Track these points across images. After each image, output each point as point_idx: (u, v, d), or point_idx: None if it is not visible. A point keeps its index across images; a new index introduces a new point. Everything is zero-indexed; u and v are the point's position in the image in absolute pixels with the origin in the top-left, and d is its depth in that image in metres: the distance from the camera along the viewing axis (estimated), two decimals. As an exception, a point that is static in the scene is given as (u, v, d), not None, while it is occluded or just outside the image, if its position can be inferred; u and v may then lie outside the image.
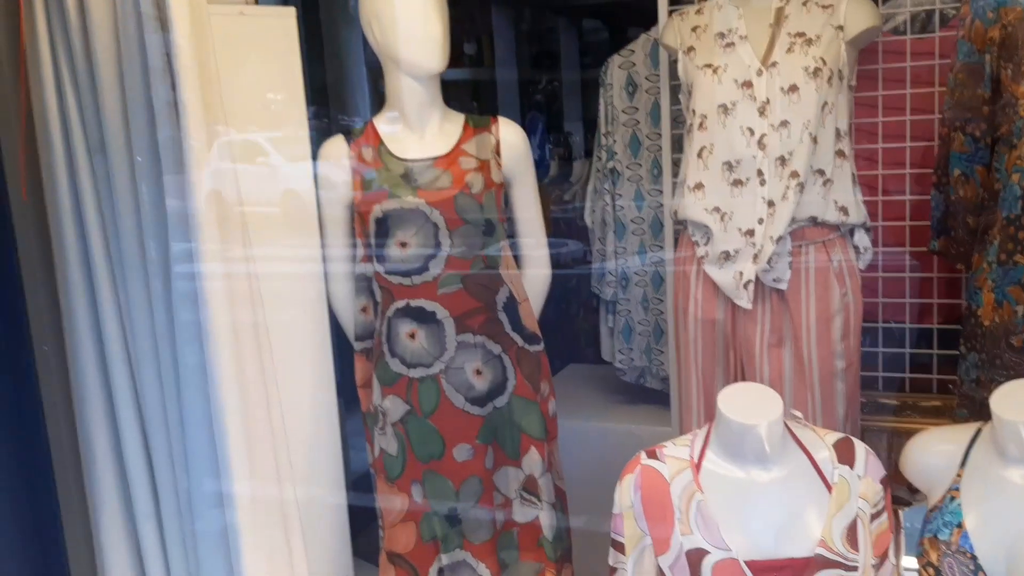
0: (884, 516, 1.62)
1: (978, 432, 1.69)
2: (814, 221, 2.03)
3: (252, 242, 1.96)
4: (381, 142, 2.09)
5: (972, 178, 2.05)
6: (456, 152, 2.07)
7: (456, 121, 2.13)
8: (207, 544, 1.93)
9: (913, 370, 2.48)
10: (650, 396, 2.99)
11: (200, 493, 1.94)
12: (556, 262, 2.31)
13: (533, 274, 2.22)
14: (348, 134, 2.12)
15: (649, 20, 2.64)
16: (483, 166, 2.07)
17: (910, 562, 1.73)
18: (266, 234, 2.02)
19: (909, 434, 2.42)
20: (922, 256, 2.40)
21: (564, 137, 4.59)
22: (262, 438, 1.93)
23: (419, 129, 2.09)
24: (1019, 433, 1.57)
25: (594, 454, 2.67)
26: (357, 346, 2.19)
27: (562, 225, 3.80)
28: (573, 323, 3.86)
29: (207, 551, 1.94)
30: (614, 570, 1.68)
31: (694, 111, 2.10)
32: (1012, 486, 1.59)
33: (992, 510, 1.58)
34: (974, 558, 1.55)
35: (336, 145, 2.11)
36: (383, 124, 2.12)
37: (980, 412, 1.98)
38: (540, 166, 4.20)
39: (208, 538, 1.92)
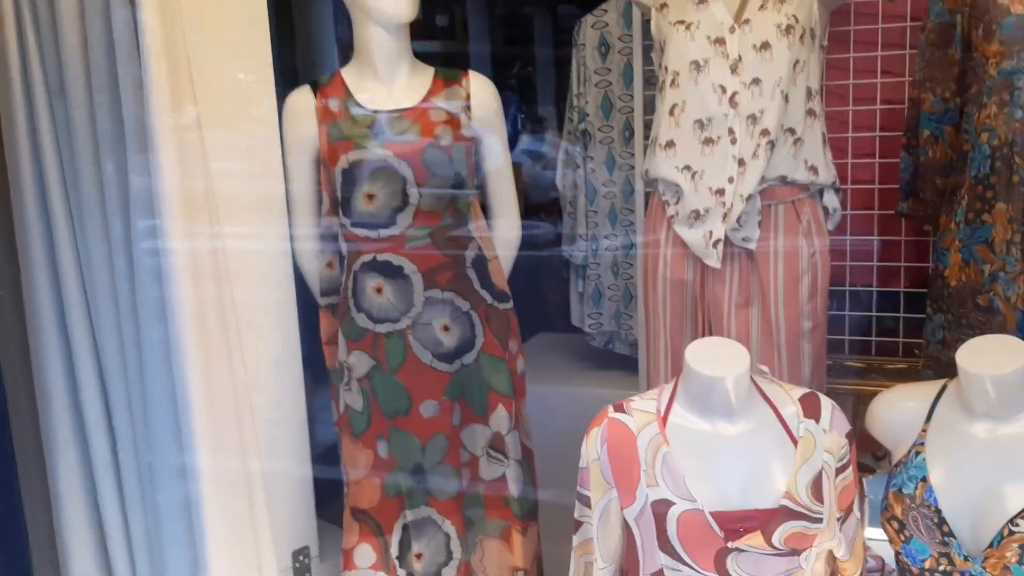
0: (849, 470, 1.63)
1: (943, 388, 1.69)
2: (784, 180, 2.02)
3: (219, 215, 1.92)
4: (348, 93, 2.05)
5: (941, 139, 2.06)
6: (425, 105, 2.04)
7: (425, 74, 2.10)
8: (169, 515, 1.91)
9: (879, 334, 2.49)
10: (619, 362, 2.99)
11: (163, 464, 1.92)
12: (529, 236, 2.28)
13: (503, 229, 2.19)
14: (315, 85, 2.08)
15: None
16: (453, 119, 2.04)
17: (874, 532, 1.74)
18: (232, 209, 1.98)
19: (874, 397, 2.45)
20: (889, 220, 2.41)
21: (536, 109, 4.56)
22: (226, 408, 1.91)
23: (388, 81, 2.06)
24: (985, 387, 1.57)
25: (563, 419, 2.64)
26: (322, 302, 2.16)
27: (535, 198, 3.79)
28: (543, 292, 3.85)
29: (169, 521, 1.92)
30: (579, 524, 1.67)
31: (666, 68, 2.08)
32: (977, 441, 1.60)
33: (957, 464, 1.59)
34: (938, 511, 1.56)
35: (302, 95, 2.06)
36: (351, 75, 2.08)
37: (946, 373, 1.99)
38: (512, 140, 4.17)
39: (170, 508, 1.90)
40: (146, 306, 1.86)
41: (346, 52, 3.60)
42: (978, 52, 1.92)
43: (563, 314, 3.29)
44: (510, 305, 2.15)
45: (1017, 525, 1.49)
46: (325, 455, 2.40)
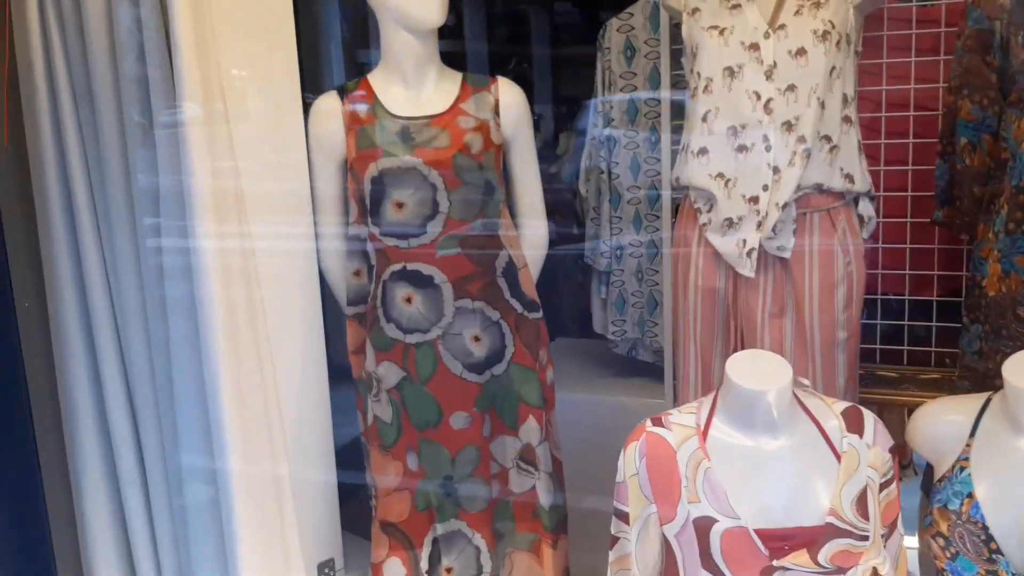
0: (893, 486, 1.60)
1: (988, 402, 1.66)
2: (819, 188, 1.99)
3: (248, 215, 1.90)
4: (376, 99, 2.02)
5: (979, 147, 2.03)
6: (454, 111, 2.01)
7: (454, 79, 2.06)
8: (197, 524, 1.88)
9: (910, 343, 2.46)
10: (641, 369, 2.96)
11: (191, 471, 1.89)
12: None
13: (531, 229, 2.16)
14: (341, 90, 2.05)
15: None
16: (482, 126, 2.01)
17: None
18: (259, 208, 1.96)
19: (906, 407, 2.42)
20: (922, 227, 2.38)
21: (548, 110, 4.53)
22: (255, 410, 1.88)
23: (416, 86, 2.03)
24: (1032, 401, 1.54)
25: (586, 427, 2.63)
26: (349, 311, 2.13)
27: (548, 199, 3.74)
28: (560, 298, 3.81)
29: (197, 532, 1.89)
30: (616, 539, 1.64)
31: (699, 74, 2.05)
32: (1024, 456, 1.57)
33: (1004, 480, 1.56)
34: (985, 528, 1.53)
35: (329, 101, 2.03)
36: (378, 80, 2.04)
37: (983, 384, 1.97)
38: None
39: (198, 517, 1.87)
40: (175, 308, 1.83)
41: (350, 50, 3.58)
42: (1018, 59, 1.89)
43: (580, 319, 3.26)
44: (540, 314, 2.12)
45: (1069, 543, 1.47)
46: (338, 457, 2.37)
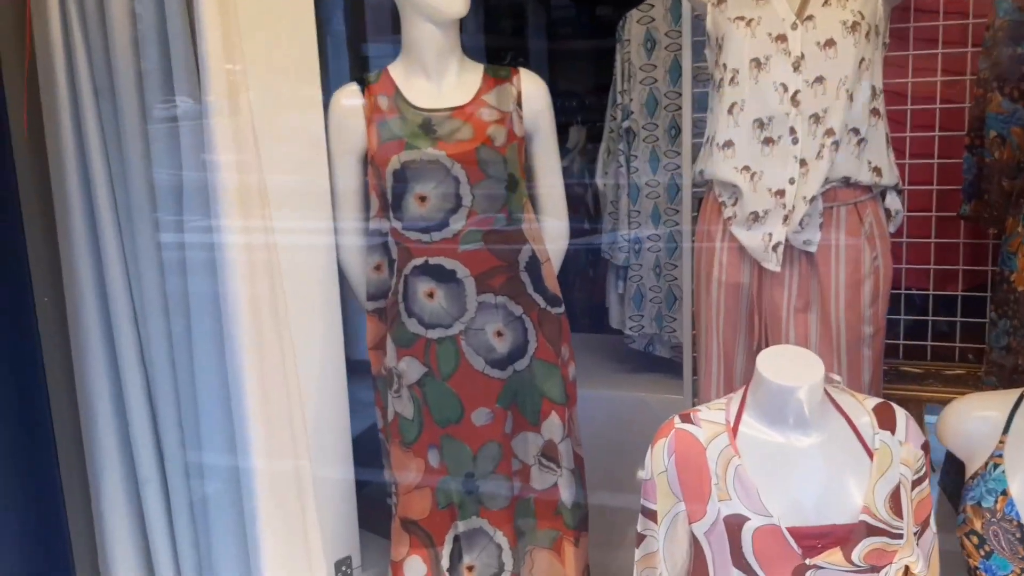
0: (926, 483, 1.57)
1: (1021, 397, 1.64)
2: (847, 182, 1.97)
3: (270, 210, 1.88)
4: (397, 90, 1.99)
5: (1008, 140, 2.00)
6: (476, 103, 1.99)
7: (475, 71, 2.04)
8: (218, 514, 1.86)
9: (935, 338, 2.43)
10: (658, 364, 2.94)
11: (214, 470, 1.87)
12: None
13: (553, 224, 2.14)
14: (362, 82, 2.02)
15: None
16: (504, 118, 1.99)
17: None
18: (278, 202, 1.94)
19: (930, 403, 2.39)
20: (947, 222, 2.35)
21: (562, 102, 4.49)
22: (279, 406, 1.87)
23: (437, 78, 2.00)
24: (1068, 398, 1.52)
25: (602, 422, 2.61)
26: (369, 306, 2.10)
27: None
28: (572, 293, 3.79)
29: (218, 521, 1.87)
30: (642, 537, 1.62)
31: (724, 65, 2.02)
32: (1059, 453, 1.54)
33: (1039, 477, 1.54)
34: (1020, 526, 1.51)
35: (349, 93, 2.01)
36: (399, 72, 2.02)
37: (1010, 379, 1.95)
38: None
39: (220, 508, 1.85)
40: (197, 303, 1.81)
41: (354, 43, 3.55)
42: (1051, 50, 1.86)
43: (594, 315, 3.23)
44: (562, 309, 2.09)
45: (1108, 542, 1.44)
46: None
